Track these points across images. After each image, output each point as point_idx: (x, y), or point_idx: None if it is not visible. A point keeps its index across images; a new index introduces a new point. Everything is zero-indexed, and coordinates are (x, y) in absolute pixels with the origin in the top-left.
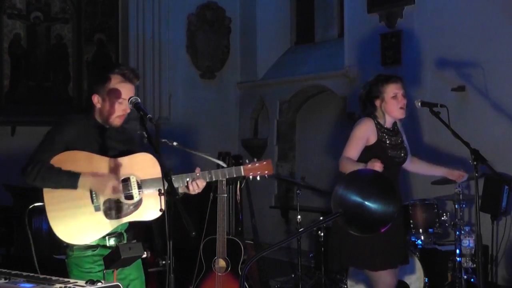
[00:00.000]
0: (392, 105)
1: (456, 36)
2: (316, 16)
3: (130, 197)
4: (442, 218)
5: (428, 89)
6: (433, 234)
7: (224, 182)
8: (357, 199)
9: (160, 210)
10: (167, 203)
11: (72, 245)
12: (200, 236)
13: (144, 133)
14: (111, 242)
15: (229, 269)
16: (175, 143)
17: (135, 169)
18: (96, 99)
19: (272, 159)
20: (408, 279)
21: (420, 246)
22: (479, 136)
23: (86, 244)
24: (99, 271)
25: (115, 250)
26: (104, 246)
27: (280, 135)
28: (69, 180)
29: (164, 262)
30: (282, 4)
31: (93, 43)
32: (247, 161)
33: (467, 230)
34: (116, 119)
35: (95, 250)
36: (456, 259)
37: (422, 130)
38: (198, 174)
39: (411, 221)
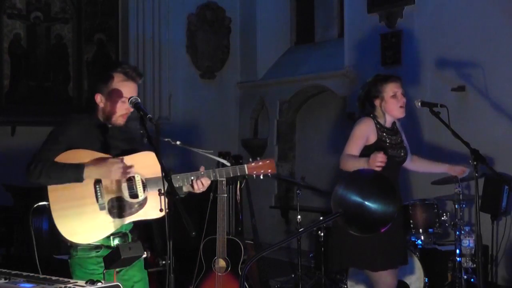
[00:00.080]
0: (392, 104)
1: (456, 36)
2: (316, 16)
3: (135, 196)
4: (442, 218)
5: (428, 89)
6: (433, 234)
7: (224, 182)
8: (357, 199)
9: (160, 210)
10: (167, 203)
11: (77, 246)
12: (200, 236)
13: (149, 132)
14: (116, 242)
15: (229, 269)
16: (178, 142)
17: (139, 167)
18: (99, 98)
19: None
20: (408, 279)
21: (420, 246)
22: (479, 136)
23: (90, 245)
24: (102, 273)
25: (115, 250)
26: (109, 247)
27: (280, 135)
28: (74, 172)
29: (164, 262)
30: (282, 4)
31: (93, 43)
32: (250, 159)
33: (467, 230)
34: (119, 118)
35: (99, 251)
36: (456, 259)
37: (422, 130)
38: (202, 173)
39: (411, 221)
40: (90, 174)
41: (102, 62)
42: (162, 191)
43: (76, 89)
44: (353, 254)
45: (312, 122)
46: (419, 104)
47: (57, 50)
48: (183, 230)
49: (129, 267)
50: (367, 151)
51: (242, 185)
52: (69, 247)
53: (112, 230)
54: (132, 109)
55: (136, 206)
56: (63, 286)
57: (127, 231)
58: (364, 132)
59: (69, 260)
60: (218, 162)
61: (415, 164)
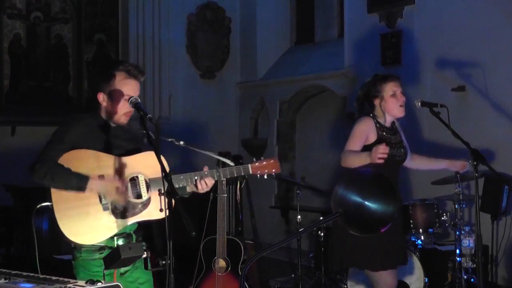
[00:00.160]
0: (392, 103)
1: (456, 36)
2: (316, 16)
3: (138, 196)
4: (442, 218)
5: (428, 89)
6: (433, 234)
7: (224, 182)
8: (357, 199)
9: (160, 210)
10: (168, 203)
11: (80, 247)
12: (200, 236)
13: (149, 132)
14: (120, 243)
15: (229, 269)
16: (181, 142)
17: (142, 167)
18: (101, 97)
19: None
20: (408, 279)
21: (420, 246)
22: (479, 136)
23: (94, 246)
24: (106, 275)
25: (115, 250)
26: (112, 248)
27: (280, 135)
28: (78, 182)
29: (164, 262)
30: (282, 4)
31: (93, 43)
32: (254, 159)
33: (467, 230)
34: (122, 117)
35: (102, 253)
36: (456, 259)
37: (422, 130)
38: (206, 173)
39: (411, 221)
40: (92, 187)
41: (102, 62)
42: (162, 191)
43: (76, 89)
44: (353, 254)
45: (312, 122)
46: (419, 104)
47: (57, 50)
48: (183, 230)
49: (134, 269)
50: (367, 150)
51: (242, 185)
52: (72, 248)
53: (115, 230)
54: (138, 100)
55: (139, 206)
56: (63, 286)
57: (131, 232)
58: (364, 131)
59: (72, 262)
60: (219, 161)
61: (415, 162)
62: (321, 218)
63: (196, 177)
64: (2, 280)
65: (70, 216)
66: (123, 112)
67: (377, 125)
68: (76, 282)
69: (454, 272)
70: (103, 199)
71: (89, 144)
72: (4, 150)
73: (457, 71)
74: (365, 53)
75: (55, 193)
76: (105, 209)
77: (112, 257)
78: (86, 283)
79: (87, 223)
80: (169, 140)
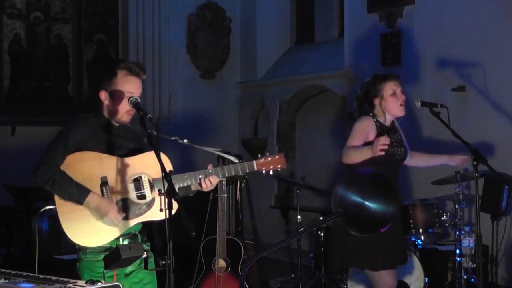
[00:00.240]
0: (392, 102)
1: (456, 36)
2: (316, 16)
3: (142, 196)
4: (442, 218)
5: (428, 89)
6: (433, 234)
7: (224, 182)
8: (357, 199)
9: (160, 210)
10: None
11: (85, 249)
12: (200, 236)
13: (150, 131)
14: (125, 243)
15: (229, 269)
16: (185, 140)
17: (146, 167)
18: (103, 95)
19: None
20: (408, 279)
21: (420, 246)
22: (479, 136)
23: (99, 247)
24: (111, 276)
25: (115, 250)
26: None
27: (280, 135)
28: (77, 195)
29: (164, 262)
30: (282, 4)
31: (93, 43)
32: (259, 155)
33: (467, 230)
34: (124, 115)
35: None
36: (456, 259)
37: (422, 130)
38: (210, 171)
39: (411, 221)
40: (90, 203)
41: (102, 62)
42: (162, 191)
43: (76, 89)
44: (353, 254)
45: (312, 122)
46: (419, 104)
47: (57, 50)
48: (183, 230)
49: (139, 270)
50: None
51: (242, 185)
52: (77, 250)
53: (119, 232)
54: (138, 100)
55: (144, 207)
56: (63, 286)
57: (137, 232)
58: (364, 129)
59: (77, 264)
60: (219, 159)
61: (414, 160)
62: (321, 218)
63: (200, 176)
64: (2, 280)
65: (74, 219)
66: (125, 110)
67: (377, 124)
68: (76, 282)
69: (454, 272)
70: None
71: (92, 145)
72: (4, 150)
73: (457, 71)
74: (365, 53)
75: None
76: None
77: (112, 257)
78: (86, 283)
79: (91, 226)
80: (173, 138)
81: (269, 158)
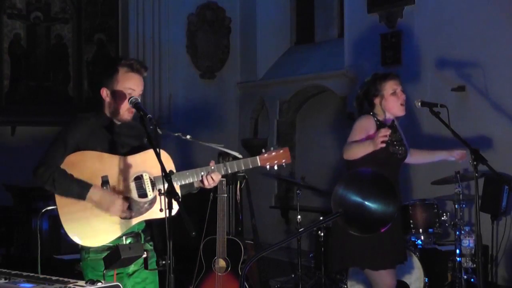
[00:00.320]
0: (393, 102)
1: (456, 36)
2: (316, 16)
3: (144, 195)
4: (442, 218)
5: (428, 89)
6: (433, 234)
7: (224, 182)
8: (357, 199)
9: (160, 210)
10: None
11: (88, 248)
12: (200, 236)
13: (150, 130)
14: (128, 242)
15: (229, 269)
16: (188, 136)
17: (147, 166)
18: (104, 92)
19: None
20: (408, 279)
21: (420, 246)
22: (479, 136)
23: (102, 246)
24: (113, 274)
25: (115, 250)
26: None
27: (280, 135)
28: (79, 190)
29: (164, 262)
30: (282, 4)
31: (93, 43)
32: (263, 150)
33: (467, 230)
34: (126, 113)
35: None
36: (456, 259)
37: (422, 129)
38: (212, 167)
39: (411, 221)
40: (93, 197)
41: (102, 62)
42: (162, 191)
43: (76, 89)
44: (353, 254)
45: (312, 122)
46: (419, 104)
47: (57, 50)
48: (183, 230)
49: (142, 269)
50: None
51: (242, 185)
52: (80, 249)
53: (121, 231)
54: (138, 100)
55: (145, 205)
56: (63, 286)
57: (139, 231)
58: (365, 127)
59: (80, 263)
60: (219, 157)
61: (414, 157)
62: (321, 218)
63: (202, 173)
64: (2, 280)
65: (75, 220)
66: (126, 107)
67: (377, 123)
68: (76, 282)
69: (454, 272)
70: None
71: (93, 144)
72: (4, 150)
73: (457, 71)
74: (365, 53)
75: (59, 196)
76: None
77: (112, 257)
78: (86, 283)
79: (93, 226)
80: (176, 134)
81: (273, 153)
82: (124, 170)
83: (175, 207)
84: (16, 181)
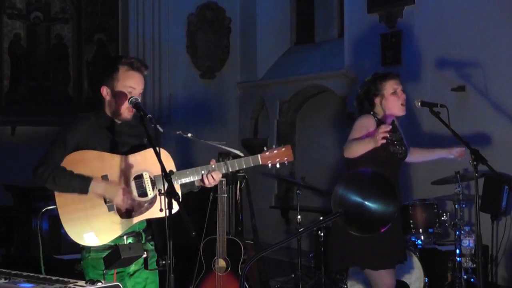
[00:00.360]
0: (393, 101)
1: (456, 36)
2: (316, 16)
3: (144, 194)
4: (442, 218)
5: (428, 89)
6: (433, 234)
7: (224, 182)
8: (357, 199)
9: (160, 210)
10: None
11: (89, 247)
12: (200, 236)
13: (158, 126)
14: (129, 241)
15: (229, 269)
16: (189, 135)
17: (148, 165)
18: (105, 91)
19: None
20: (408, 279)
21: (420, 246)
22: (479, 136)
23: (103, 245)
24: (116, 273)
25: (115, 250)
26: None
27: (280, 135)
28: (80, 184)
29: (164, 262)
30: (282, 4)
31: (93, 43)
32: (265, 148)
33: (467, 230)
34: (126, 111)
35: None
36: (456, 259)
37: (422, 129)
38: (213, 166)
39: (411, 221)
40: (95, 189)
41: (102, 62)
42: (162, 191)
43: (76, 89)
44: (353, 254)
45: (312, 122)
46: (419, 104)
47: (57, 50)
48: (183, 230)
49: (143, 269)
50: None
51: (242, 185)
52: (81, 248)
53: (122, 230)
54: (139, 101)
55: (146, 204)
56: (63, 286)
57: (141, 230)
58: (365, 126)
59: (81, 262)
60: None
61: (414, 156)
62: (321, 218)
63: (203, 171)
64: (2, 280)
65: (75, 219)
66: (126, 106)
67: (378, 122)
68: (76, 282)
69: (454, 272)
70: (108, 200)
71: (93, 144)
72: (4, 150)
73: (457, 71)
74: (365, 53)
75: (59, 196)
76: (110, 209)
77: (112, 257)
78: (86, 283)
79: (93, 225)
80: (178, 132)
81: (275, 151)
82: (125, 169)
83: (175, 207)
84: (16, 181)
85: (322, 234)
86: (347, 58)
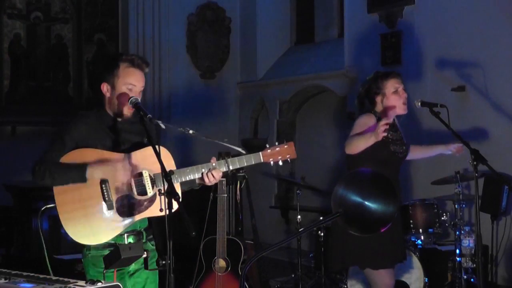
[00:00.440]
0: (394, 100)
1: (456, 36)
2: (316, 16)
3: (143, 192)
4: (442, 218)
5: (428, 89)
6: (433, 234)
7: (224, 182)
8: (357, 199)
9: (160, 210)
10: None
11: (89, 245)
12: (200, 236)
13: (160, 122)
14: (130, 240)
15: (229, 269)
16: (191, 131)
17: (148, 163)
18: (105, 87)
19: None
20: (408, 279)
21: (420, 246)
22: (479, 136)
23: (103, 243)
24: (116, 271)
25: (115, 250)
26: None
27: (280, 135)
28: (77, 172)
29: (164, 262)
30: (282, 4)
31: (93, 43)
32: (267, 145)
33: (467, 230)
34: (126, 108)
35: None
36: (456, 259)
37: (422, 129)
38: (214, 164)
39: (411, 221)
40: (93, 174)
41: (102, 61)
42: (162, 191)
43: (76, 89)
44: (353, 254)
45: (312, 122)
46: (419, 104)
47: (57, 50)
48: (183, 230)
49: (143, 269)
50: (370, 147)
51: (242, 185)
52: (81, 246)
53: (121, 229)
54: (139, 98)
55: (145, 203)
56: (63, 286)
57: (142, 229)
58: (366, 124)
59: (82, 260)
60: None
61: (412, 153)
62: (321, 218)
63: (203, 170)
64: (2, 280)
65: (74, 218)
66: (127, 103)
67: (378, 121)
68: (76, 282)
69: (454, 272)
70: (107, 199)
71: (93, 142)
72: (4, 150)
73: (457, 71)
74: (365, 53)
75: (58, 196)
76: (109, 208)
77: (112, 256)
78: (86, 283)
79: (92, 224)
80: (179, 129)
81: (277, 148)
82: (124, 168)
83: (175, 206)
84: (16, 181)
85: (322, 234)
86: (347, 58)
